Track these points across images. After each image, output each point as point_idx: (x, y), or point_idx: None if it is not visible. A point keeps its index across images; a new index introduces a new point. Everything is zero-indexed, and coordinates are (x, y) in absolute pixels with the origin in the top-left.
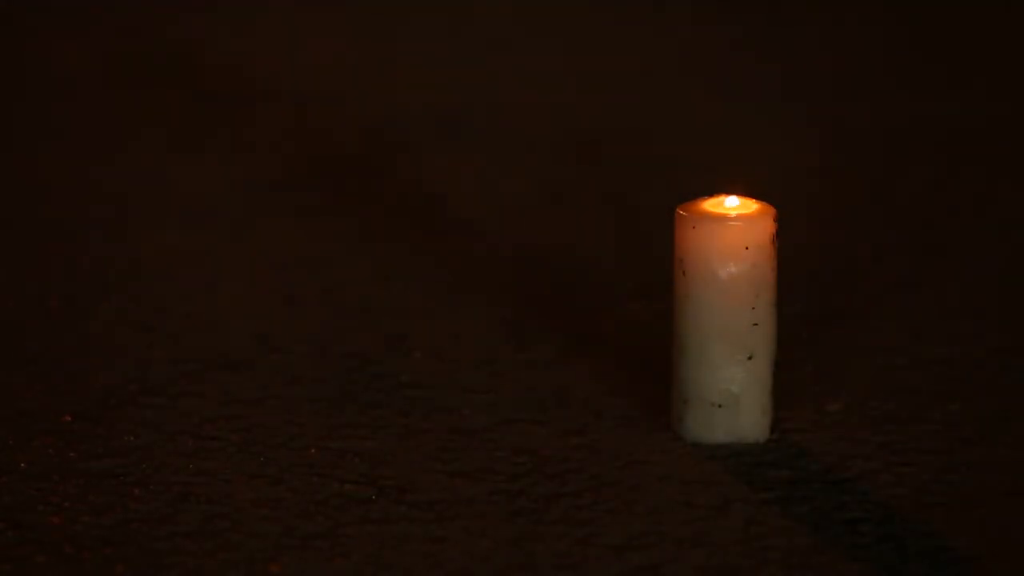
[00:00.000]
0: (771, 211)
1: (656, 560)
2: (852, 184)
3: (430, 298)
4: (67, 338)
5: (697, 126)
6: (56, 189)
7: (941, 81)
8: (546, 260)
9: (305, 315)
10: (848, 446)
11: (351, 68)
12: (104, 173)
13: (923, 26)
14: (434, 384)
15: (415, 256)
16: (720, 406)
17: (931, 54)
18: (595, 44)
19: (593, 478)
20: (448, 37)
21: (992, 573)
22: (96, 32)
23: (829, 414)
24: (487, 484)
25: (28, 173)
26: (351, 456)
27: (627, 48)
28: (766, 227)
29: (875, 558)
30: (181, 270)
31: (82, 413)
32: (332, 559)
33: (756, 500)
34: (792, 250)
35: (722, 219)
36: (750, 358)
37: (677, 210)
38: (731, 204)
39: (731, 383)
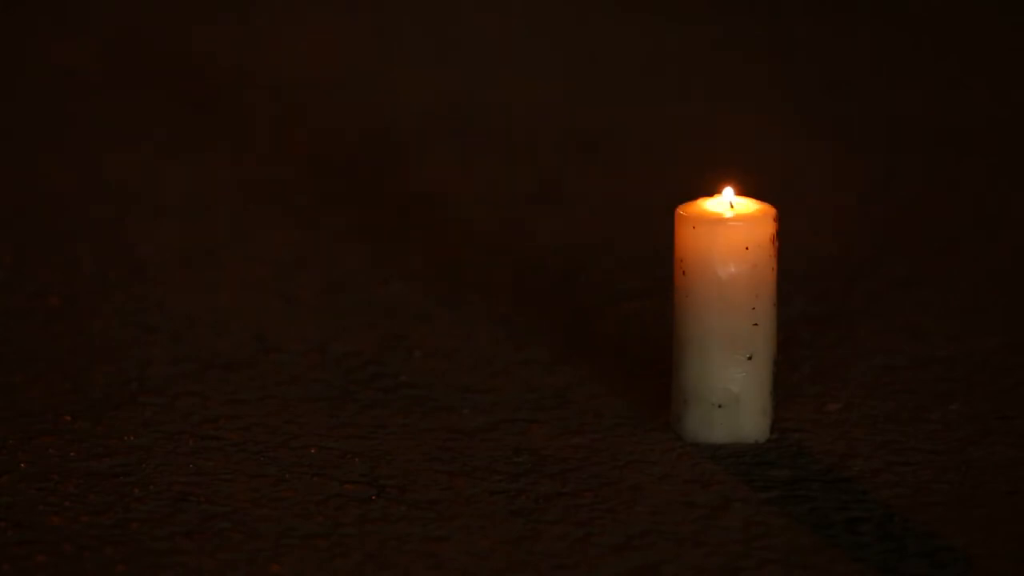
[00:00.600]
0: (771, 211)
1: (656, 560)
2: (852, 184)
3: (430, 298)
4: (67, 338)
5: (697, 126)
6: (56, 189)
7: (941, 81)
8: (546, 260)
9: (305, 315)
10: (848, 446)
11: (351, 68)
12: (104, 173)
13: (923, 26)
14: (434, 384)
15: (415, 256)
16: (720, 406)
17: (931, 54)
18: (595, 44)
19: (593, 478)
20: (448, 37)
21: (992, 573)
22: (96, 31)
23: (829, 414)
24: (487, 484)
25: (28, 173)
26: (351, 456)
27: (627, 48)
28: (766, 227)
29: (875, 558)
30: (181, 270)
31: (82, 413)
32: (332, 559)
33: (756, 500)
34: (792, 250)
35: (722, 219)
36: (750, 358)
37: (677, 210)
38: (731, 204)
39: (731, 383)
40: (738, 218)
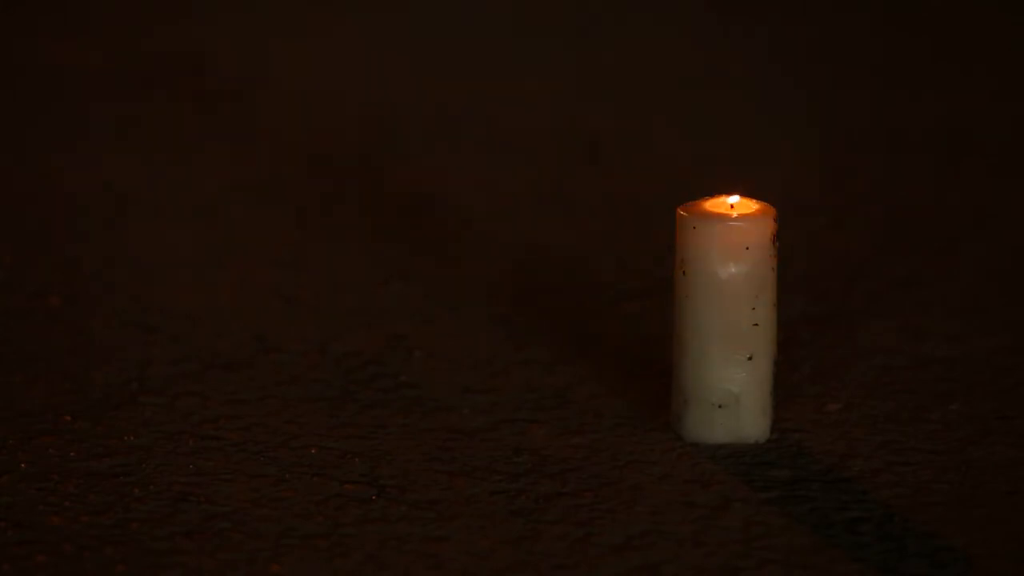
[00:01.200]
0: (771, 211)
1: (656, 560)
2: (852, 184)
3: (430, 298)
4: (67, 338)
5: (697, 126)
6: (56, 189)
7: (941, 81)
8: (546, 260)
9: (305, 315)
10: (848, 446)
11: (351, 68)
12: (104, 173)
13: (923, 26)
14: (434, 384)
15: (415, 256)
16: (720, 406)
17: (932, 54)
18: (595, 44)
19: (593, 478)
20: (448, 37)
21: (992, 573)
22: (96, 31)
23: (829, 414)
24: (487, 484)
25: (28, 173)
26: (351, 456)
27: (627, 48)
28: (766, 227)
29: (875, 558)
30: (181, 270)
31: (82, 413)
32: (332, 559)
33: (756, 500)
34: (792, 250)
35: (722, 219)
36: (750, 358)
37: (678, 210)
38: (731, 204)
39: (731, 383)
40: (738, 218)
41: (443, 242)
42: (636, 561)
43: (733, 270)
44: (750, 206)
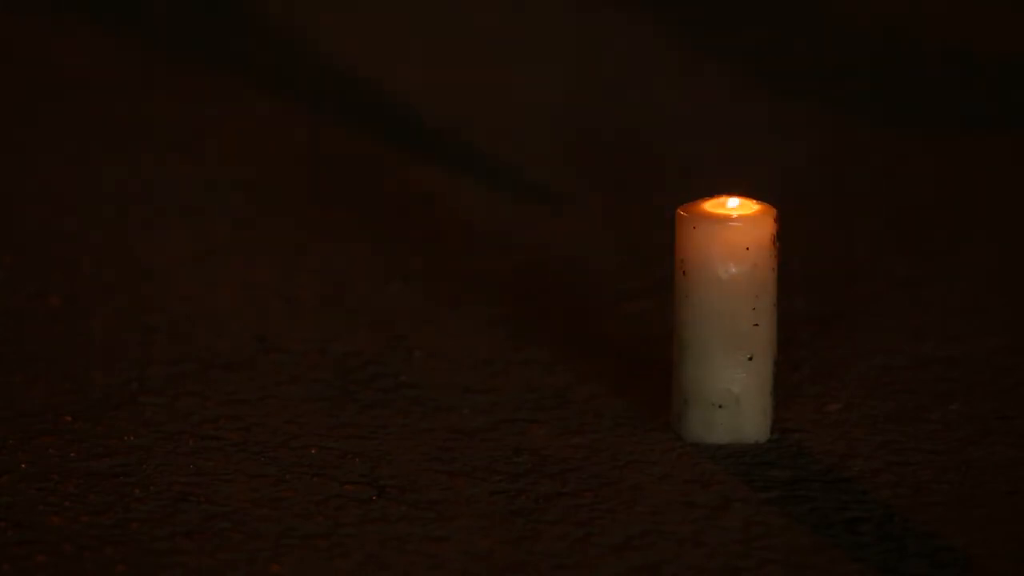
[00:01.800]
0: (772, 212)
1: (656, 560)
2: (852, 184)
3: (430, 298)
4: (67, 338)
5: (697, 126)
6: (56, 189)
7: (942, 81)
8: (546, 260)
9: (305, 315)
10: (848, 446)
11: (351, 68)
12: (104, 173)
13: (924, 26)
14: (434, 384)
15: (415, 256)
16: (720, 406)
17: (932, 54)
18: (596, 44)
19: (593, 478)
20: (448, 37)
21: (992, 573)
22: (97, 31)
23: (829, 414)
24: (487, 484)
25: (28, 173)
26: (351, 456)
27: (627, 48)
28: (767, 228)
29: (875, 558)
30: (181, 270)
31: (82, 413)
32: (332, 559)
33: (756, 500)
34: (792, 250)
35: (723, 220)
36: (750, 358)
37: (678, 210)
38: (732, 205)
39: (731, 383)
40: (738, 218)
41: (443, 242)
42: (636, 561)
43: (733, 270)
44: (750, 206)
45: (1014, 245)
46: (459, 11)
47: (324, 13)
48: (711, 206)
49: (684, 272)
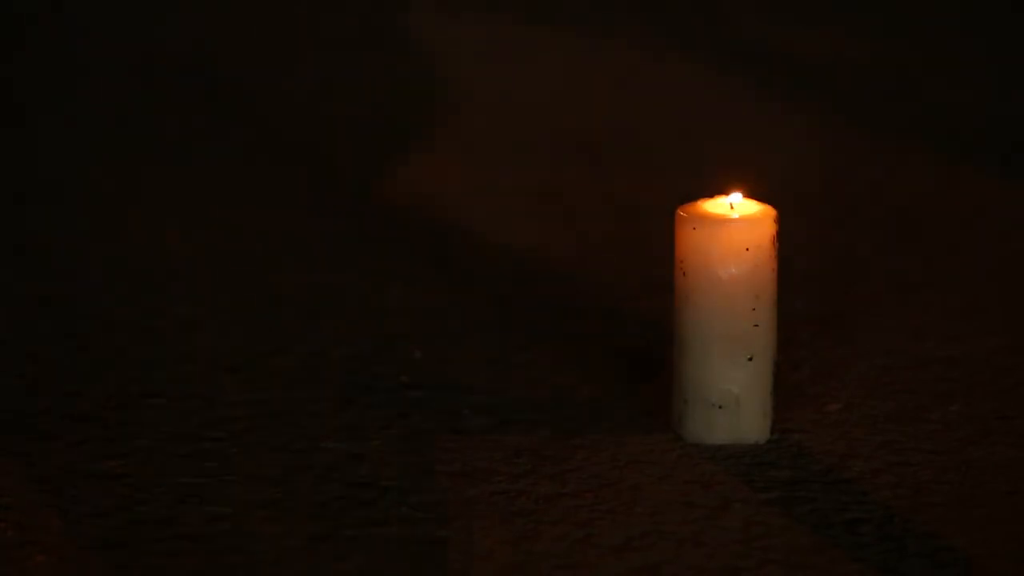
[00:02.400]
0: (771, 212)
1: (656, 560)
2: (852, 184)
3: (430, 298)
4: (68, 338)
5: (697, 126)
6: (56, 190)
7: (942, 81)
8: (545, 260)
9: (304, 316)
10: (848, 446)
11: (350, 68)
12: (104, 173)
13: (923, 26)
14: (434, 384)
15: (415, 256)
16: (720, 407)
17: (932, 54)
18: (594, 44)
19: (593, 478)
20: (448, 37)
21: (992, 573)
22: (99, 33)
23: (829, 414)
24: (487, 484)
25: (28, 174)
26: (352, 457)
27: (627, 48)
28: (766, 228)
29: (875, 558)
30: (181, 270)
31: (82, 413)
32: (332, 560)
33: (756, 500)
34: (792, 250)
35: (723, 220)
36: (750, 359)
37: (677, 211)
38: (732, 205)
39: (731, 384)
40: (738, 219)
41: (443, 242)
42: (636, 562)
43: (733, 271)
44: (750, 207)
45: (1014, 245)
46: (460, 9)
47: (322, 13)
48: (711, 206)
49: (684, 272)
